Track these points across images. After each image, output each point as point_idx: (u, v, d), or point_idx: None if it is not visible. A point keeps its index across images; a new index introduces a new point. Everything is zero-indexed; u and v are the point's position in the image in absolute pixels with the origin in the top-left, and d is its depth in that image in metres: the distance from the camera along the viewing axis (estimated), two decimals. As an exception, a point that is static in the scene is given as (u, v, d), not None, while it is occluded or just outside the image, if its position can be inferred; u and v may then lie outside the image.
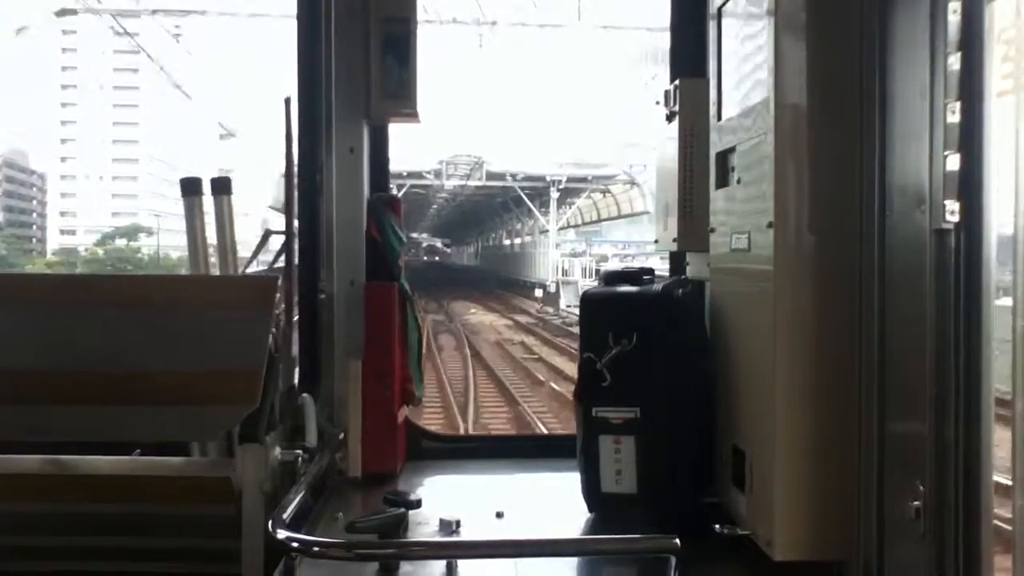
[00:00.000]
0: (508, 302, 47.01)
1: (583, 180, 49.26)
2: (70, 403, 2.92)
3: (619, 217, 52.05)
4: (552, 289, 43.34)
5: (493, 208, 64.79)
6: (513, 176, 49.89)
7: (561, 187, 48.92)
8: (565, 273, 45.33)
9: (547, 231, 52.10)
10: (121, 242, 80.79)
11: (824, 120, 2.54)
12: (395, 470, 3.72)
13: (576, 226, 60.67)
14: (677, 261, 3.80)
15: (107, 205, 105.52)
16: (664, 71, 3.94)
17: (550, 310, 38.87)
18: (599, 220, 57.35)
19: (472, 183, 51.80)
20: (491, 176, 49.81)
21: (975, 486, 1.96)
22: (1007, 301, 1.90)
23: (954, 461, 1.99)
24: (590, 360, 3.03)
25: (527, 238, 59.62)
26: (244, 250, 3.76)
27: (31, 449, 3.08)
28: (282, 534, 2.37)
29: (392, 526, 2.73)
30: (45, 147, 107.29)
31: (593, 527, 3.08)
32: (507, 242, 68.83)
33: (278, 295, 3.15)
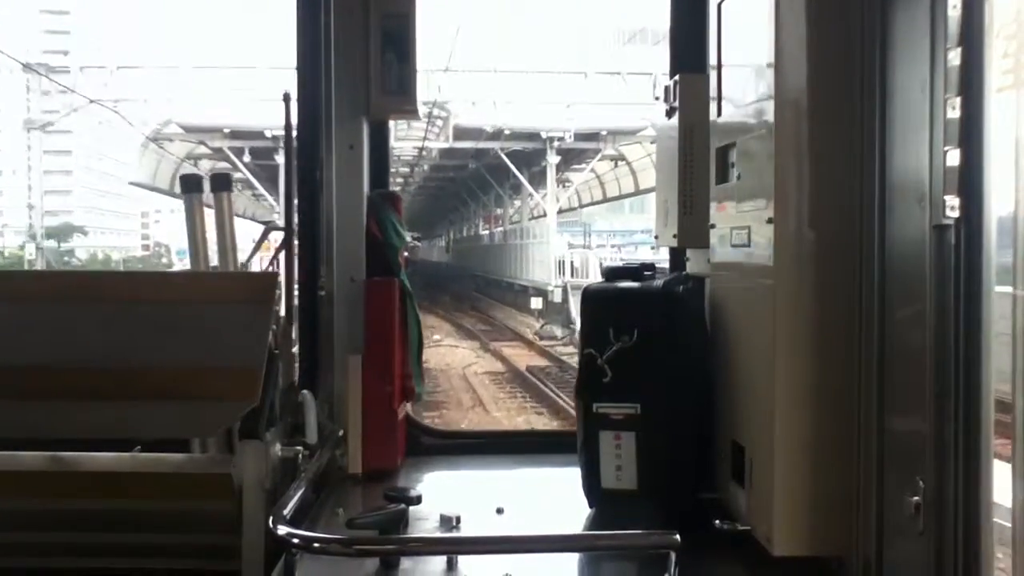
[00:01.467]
0: (490, 316, 34.11)
1: (593, 137, 34.93)
2: (70, 399, 2.92)
3: (635, 194, 40.56)
4: (557, 298, 29.83)
5: (465, 185, 50.96)
6: (494, 132, 34.56)
7: (565, 145, 34.99)
8: (575, 272, 31.27)
9: (540, 217, 39.47)
10: (50, 243, 72.15)
11: (824, 116, 2.53)
12: (395, 466, 3.72)
13: (559, 212, 44.78)
14: (677, 257, 3.80)
15: (39, 203, 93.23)
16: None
17: (558, 333, 26.47)
18: (604, 200, 45.69)
19: (435, 144, 37.96)
20: (461, 134, 35.58)
21: (974, 483, 1.95)
22: (1007, 289, 1.90)
23: (953, 457, 1.99)
24: (591, 356, 3.03)
25: (511, 225, 45.39)
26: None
27: (32, 446, 3.09)
28: (282, 530, 2.37)
29: (392, 522, 2.73)
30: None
31: (593, 523, 3.08)
32: (485, 231, 53.96)
33: (278, 291, 3.15)
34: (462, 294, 44.77)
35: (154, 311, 3.06)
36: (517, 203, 45.85)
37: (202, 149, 37.58)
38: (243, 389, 2.87)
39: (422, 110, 29.91)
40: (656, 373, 3.00)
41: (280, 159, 33.68)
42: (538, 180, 38.70)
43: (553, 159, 35.49)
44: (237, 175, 38.94)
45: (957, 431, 1.98)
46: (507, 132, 34.76)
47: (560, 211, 42.15)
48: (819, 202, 2.55)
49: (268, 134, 33.20)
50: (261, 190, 41.03)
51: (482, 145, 36.71)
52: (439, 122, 36.33)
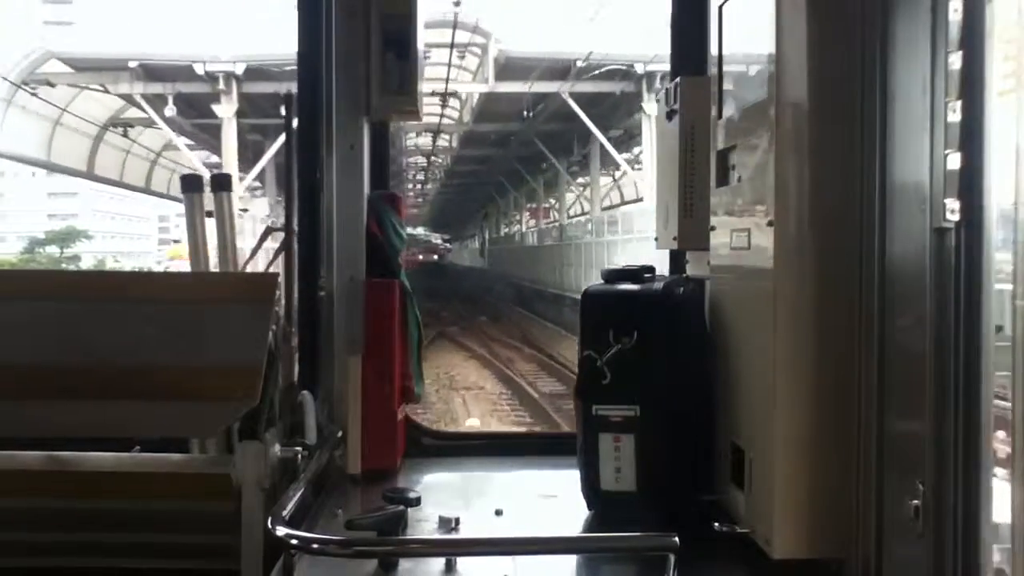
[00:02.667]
0: (555, 355, 20.05)
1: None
2: (70, 398, 2.92)
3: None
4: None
5: (506, 167, 37.68)
6: (559, 69, 22.73)
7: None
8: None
9: (617, 205, 29.07)
10: (52, 249, 67.58)
11: (825, 119, 2.54)
12: (394, 467, 3.72)
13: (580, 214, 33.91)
14: (677, 259, 3.79)
15: (43, 206, 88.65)
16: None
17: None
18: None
19: (470, 87, 26.30)
20: (508, 70, 23.58)
21: (974, 485, 1.96)
22: (1007, 286, 1.90)
23: (953, 460, 1.99)
24: (590, 358, 3.03)
25: (575, 217, 32.86)
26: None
27: (32, 445, 3.09)
28: (281, 531, 2.36)
29: (391, 523, 2.73)
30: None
31: (592, 525, 3.08)
32: (530, 227, 40.91)
33: (278, 292, 3.15)
34: (504, 312, 31.39)
35: (154, 311, 3.06)
36: (579, 187, 32.85)
37: (134, 113, 25.82)
38: (243, 389, 2.86)
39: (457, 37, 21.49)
40: (656, 375, 2.99)
41: (221, 110, 24.40)
42: (626, 146, 26.52)
43: (653, 108, 21.70)
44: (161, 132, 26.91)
45: (957, 434, 1.98)
46: (581, 63, 22.24)
47: (577, 214, 33.79)
48: (820, 205, 2.55)
49: (200, 70, 23.46)
50: (193, 159, 27.90)
51: (541, 88, 24.09)
52: (472, 54, 22.99)
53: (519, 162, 36.45)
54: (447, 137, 35.31)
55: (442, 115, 28.56)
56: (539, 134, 29.51)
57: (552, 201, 37.77)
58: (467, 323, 26.97)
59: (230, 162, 25.30)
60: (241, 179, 25.79)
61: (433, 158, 39.94)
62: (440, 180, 47.23)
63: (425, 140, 35.23)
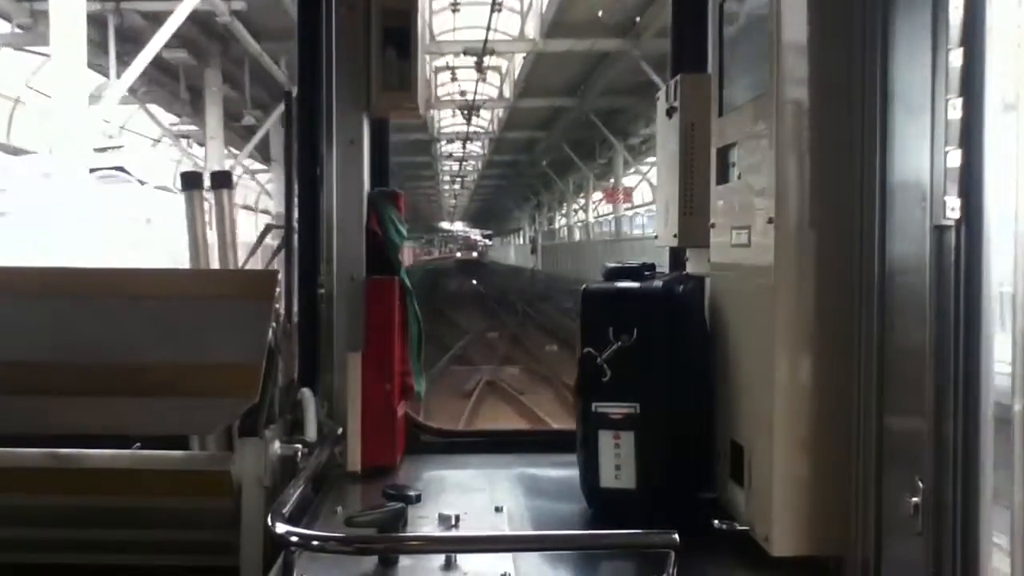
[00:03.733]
0: None
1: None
2: (70, 395, 2.92)
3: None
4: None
5: (576, 130, 29.00)
6: None
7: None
8: None
9: None
10: None
11: (825, 116, 2.53)
12: (394, 464, 3.72)
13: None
14: (677, 257, 3.80)
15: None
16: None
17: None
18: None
19: None
20: None
21: (973, 483, 1.96)
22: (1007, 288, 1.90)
23: (952, 458, 1.99)
24: (590, 355, 3.03)
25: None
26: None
27: (31, 442, 3.09)
28: (281, 528, 2.37)
29: (391, 520, 2.72)
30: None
31: (592, 522, 3.08)
32: (600, 216, 32.29)
33: (278, 289, 3.15)
34: (566, 332, 20.49)
35: (154, 308, 3.06)
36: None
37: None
38: (243, 386, 2.87)
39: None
40: (655, 373, 3.00)
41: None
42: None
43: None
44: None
45: (956, 432, 1.98)
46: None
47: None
48: (820, 202, 2.55)
49: None
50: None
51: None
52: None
53: (600, 116, 26.20)
54: (496, 78, 24.77)
55: (487, 38, 17.77)
56: (629, 87, 21.02)
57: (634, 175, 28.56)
58: (531, 360, 17.49)
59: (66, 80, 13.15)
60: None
61: (474, 119, 28.38)
62: (482, 158, 36.99)
63: (466, 82, 23.99)
